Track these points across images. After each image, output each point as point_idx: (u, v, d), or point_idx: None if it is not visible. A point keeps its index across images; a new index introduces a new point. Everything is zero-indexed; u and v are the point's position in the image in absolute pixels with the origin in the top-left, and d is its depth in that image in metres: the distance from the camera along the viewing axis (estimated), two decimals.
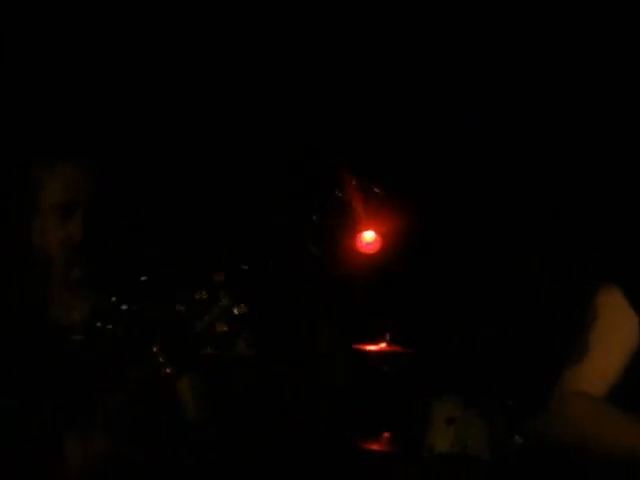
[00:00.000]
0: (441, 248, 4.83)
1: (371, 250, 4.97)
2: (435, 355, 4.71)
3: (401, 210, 4.85)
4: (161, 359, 1.96)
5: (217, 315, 1.96)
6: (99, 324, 2.12)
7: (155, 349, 1.96)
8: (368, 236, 4.98)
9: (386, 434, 4.51)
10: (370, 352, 4.56)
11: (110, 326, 2.12)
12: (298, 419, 4.31)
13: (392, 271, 4.89)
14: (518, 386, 4.28)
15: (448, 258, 4.81)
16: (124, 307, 2.12)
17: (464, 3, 4.27)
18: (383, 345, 4.56)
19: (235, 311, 1.96)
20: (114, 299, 2.15)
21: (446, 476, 4.26)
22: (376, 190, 4.94)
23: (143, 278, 2.15)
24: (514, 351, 4.59)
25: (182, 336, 1.96)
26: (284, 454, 4.21)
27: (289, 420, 4.33)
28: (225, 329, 1.95)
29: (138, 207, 2.15)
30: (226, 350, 1.99)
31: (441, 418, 4.30)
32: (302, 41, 4.29)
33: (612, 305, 2.12)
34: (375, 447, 4.45)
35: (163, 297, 2.03)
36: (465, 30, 4.30)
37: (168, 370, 1.97)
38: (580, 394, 2.09)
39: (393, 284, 4.89)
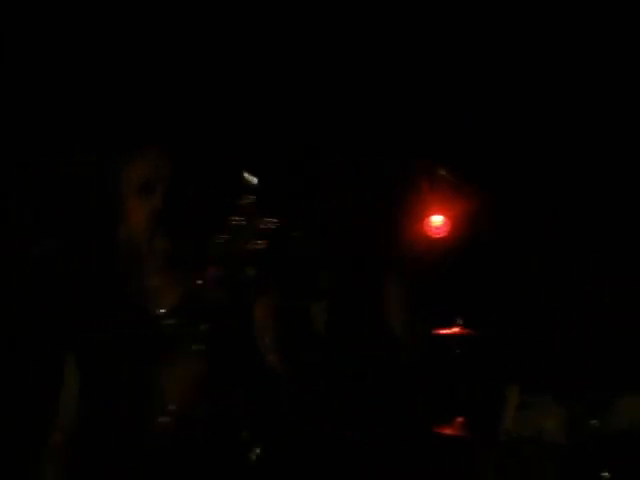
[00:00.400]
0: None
1: (440, 234, 4.96)
2: (509, 338, 4.67)
3: (470, 193, 4.84)
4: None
5: (250, 234, 2.08)
6: (188, 308, 2.15)
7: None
8: (437, 220, 4.97)
9: (460, 419, 4.48)
10: (443, 335, 4.53)
11: (199, 309, 2.15)
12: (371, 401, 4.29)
13: (462, 254, 4.86)
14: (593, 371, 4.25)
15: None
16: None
17: None
18: (456, 329, 4.53)
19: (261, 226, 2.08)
20: (200, 282, 2.17)
21: (522, 460, 4.22)
22: (443, 173, 4.91)
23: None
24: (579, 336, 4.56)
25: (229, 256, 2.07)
26: (356, 433, 4.20)
27: (358, 401, 4.32)
28: (259, 244, 2.08)
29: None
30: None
31: (517, 402, 4.26)
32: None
33: None
34: (449, 432, 4.42)
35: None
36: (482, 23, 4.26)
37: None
38: None
39: (464, 267, 4.85)
